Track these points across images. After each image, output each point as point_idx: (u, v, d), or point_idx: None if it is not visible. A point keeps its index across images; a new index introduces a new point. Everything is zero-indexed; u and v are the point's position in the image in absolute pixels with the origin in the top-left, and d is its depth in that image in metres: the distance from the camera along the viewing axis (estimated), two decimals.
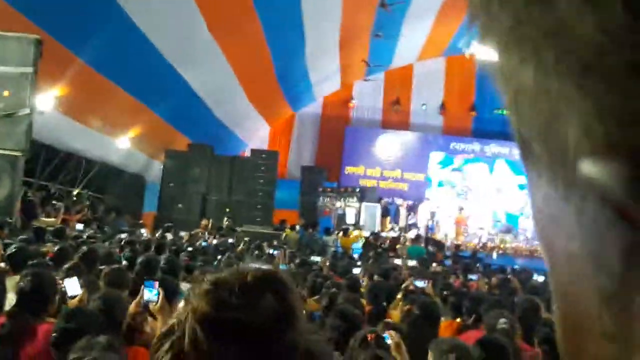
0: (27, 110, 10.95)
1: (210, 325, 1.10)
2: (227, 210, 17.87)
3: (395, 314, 6.63)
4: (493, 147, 24.62)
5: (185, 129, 18.73)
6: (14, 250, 6.30)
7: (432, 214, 22.86)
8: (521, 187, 24.74)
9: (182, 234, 14.23)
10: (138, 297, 4.27)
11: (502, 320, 4.96)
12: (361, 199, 21.07)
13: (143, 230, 14.69)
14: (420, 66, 25.04)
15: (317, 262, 11.66)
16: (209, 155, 18.75)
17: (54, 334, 3.42)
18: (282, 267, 9.55)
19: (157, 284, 4.34)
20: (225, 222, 16.90)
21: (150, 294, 4.25)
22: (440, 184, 25.01)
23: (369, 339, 3.94)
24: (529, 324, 5.69)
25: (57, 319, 3.52)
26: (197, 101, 16.93)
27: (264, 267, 1.24)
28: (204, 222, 16.42)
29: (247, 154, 21.31)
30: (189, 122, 18.22)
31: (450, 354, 3.31)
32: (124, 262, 7.54)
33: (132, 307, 4.24)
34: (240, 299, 1.11)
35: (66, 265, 5.77)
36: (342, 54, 19.90)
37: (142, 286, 4.32)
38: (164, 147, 18.88)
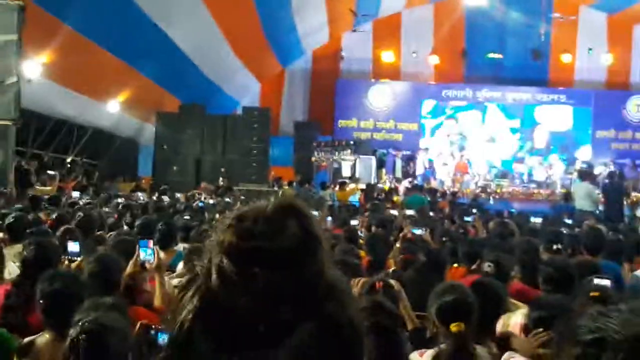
0: (15, 79, 10.86)
1: (237, 256, 1.11)
2: (222, 170, 17.85)
3: (394, 263, 6.66)
4: (485, 92, 24.55)
5: (175, 89, 18.60)
6: (12, 219, 6.26)
7: (430, 163, 22.90)
8: (513, 130, 24.80)
9: (178, 195, 14.22)
10: (134, 257, 4.27)
11: (487, 264, 5.00)
12: (356, 152, 21.06)
13: (140, 194, 14.69)
14: (408, 14, 24.82)
15: (315, 216, 11.67)
16: (200, 116, 18.66)
17: (40, 300, 3.36)
18: None
19: (151, 242, 4.35)
20: (221, 182, 16.89)
21: (145, 253, 4.25)
22: (433, 133, 25.03)
23: (377, 286, 3.99)
24: (528, 265, 5.72)
25: (39, 282, 3.45)
26: (184, 60, 16.78)
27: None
28: (202, 184, 16.43)
29: (239, 112, 21.24)
30: (178, 82, 18.08)
31: (447, 295, 3.33)
32: (125, 227, 7.55)
33: (129, 267, 4.24)
34: (265, 227, 1.13)
35: (61, 230, 5.77)
36: (329, 4, 19.71)
37: (137, 246, 4.32)
38: (155, 109, 18.78)
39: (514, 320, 3.81)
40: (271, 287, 1.09)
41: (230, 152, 18.69)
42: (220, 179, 17.09)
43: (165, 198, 13.25)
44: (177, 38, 15.58)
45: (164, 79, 17.45)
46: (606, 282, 4.13)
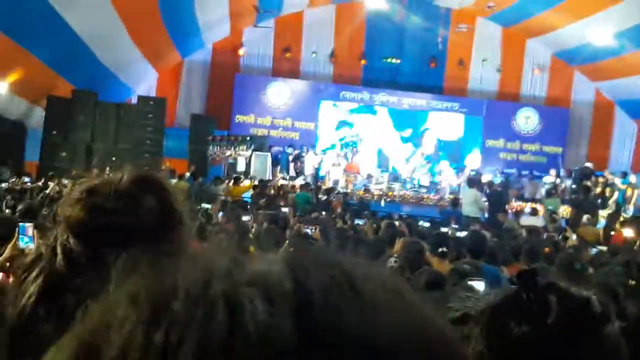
0: None
1: (86, 234, 1.01)
2: (113, 159, 17.42)
3: None
4: (382, 96, 24.89)
5: (68, 74, 18.01)
6: None
7: (319, 162, 23.04)
8: (404, 140, 25.29)
9: (66, 182, 13.78)
10: (13, 240, 4.09)
11: (393, 259, 5.11)
12: (252, 148, 20.96)
13: (27, 179, 14.15)
14: (310, 13, 24.93)
15: (208, 209, 11.56)
16: (93, 102, 18.16)
17: None
18: None
19: (30, 227, 4.16)
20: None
21: (24, 237, 4.06)
22: (329, 133, 25.26)
23: None
24: (413, 266, 5.83)
25: None
26: (80, 44, 16.28)
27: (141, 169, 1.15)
28: (94, 172, 15.96)
29: (134, 101, 20.80)
30: (72, 66, 17.52)
31: None
32: (7, 211, 7.28)
33: (7, 251, 4.06)
34: (118, 202, 1.03)
35: None
36: None
37: (17, 229, 4.14)
38: (46, 93, 18.15)
39: None
40: (124, 270, 0.99)
41: (122, 141, 18.29)
42: (109, 168, 16.66)
43: (52, 185, 12.81)
44: (73, 21, 15.09)
45: (57, 63, 16.87)
46: (480, 283, 4.31)
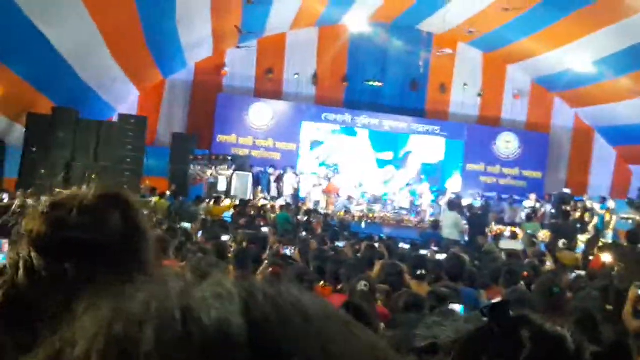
0: None
1: (48, 247, 0.99)
2: (93, 177, 17.33)
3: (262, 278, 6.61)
4: (364, 119, 24.98)
5: (49, 91, 17.92)
6: None
7: (298, 183, 23.03)
8: (386, 162, 25.39)
9: (44, 199, 13.66)
10: None
11: (363, 282, 5.04)
12: (233, 168, 20.94)
13: (4, 195, 14.00)
14: (293, 35, 25.02)
15: (187, 228, 11.53)
16: (74, 120, 18.08)
17: None
18: None
19: (5, 244, 4.10)
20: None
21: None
22: (309, 154, 25.31)
23: None
24: (393, 288, 5.81)
25: None
26: (61, 62, 16.20)
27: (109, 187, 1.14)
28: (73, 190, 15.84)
29: (115, 119, 20.73)
30: (53, 84, 17.43)
31: None
32: None
33: None
34: (82, 217, 1.01)
35: None
36: (215, 18, 19.56)
37: None
38: (26, 110, 18.04)
39: None
40: (84, 285, 0.96)
41: (103, 159, 18.19)
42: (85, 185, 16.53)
43: (30, 202, 12.70)
44: (54, 38, 15.02)
45: (38, 80, 16.78)
46: (458, 307, 4.29)
